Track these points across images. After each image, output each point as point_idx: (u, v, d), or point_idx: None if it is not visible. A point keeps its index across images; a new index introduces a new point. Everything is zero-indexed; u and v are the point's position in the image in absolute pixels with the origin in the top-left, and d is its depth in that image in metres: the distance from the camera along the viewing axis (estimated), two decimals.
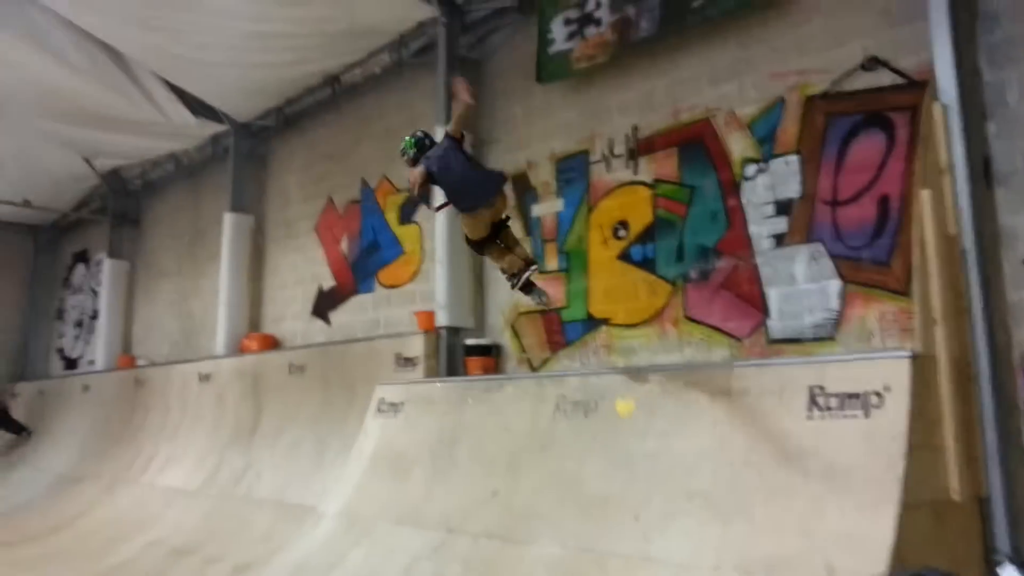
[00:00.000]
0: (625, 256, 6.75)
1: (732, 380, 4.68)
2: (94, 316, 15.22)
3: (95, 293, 15.37)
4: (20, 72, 10.04)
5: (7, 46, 9.50)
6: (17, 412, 15.35)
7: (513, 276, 5.28)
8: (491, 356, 7.51)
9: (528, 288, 5.38)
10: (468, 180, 5.03)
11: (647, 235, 6.60)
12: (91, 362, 14.86)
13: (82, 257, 16.49)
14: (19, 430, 14.51)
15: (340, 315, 9.80)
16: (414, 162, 5.24)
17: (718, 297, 6.02)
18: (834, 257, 5.43)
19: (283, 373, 9.21)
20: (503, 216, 5.23)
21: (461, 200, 5.09)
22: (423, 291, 8.56)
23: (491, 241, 5.22)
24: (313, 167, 10.70)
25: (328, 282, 10.10)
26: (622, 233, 6.81)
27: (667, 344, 6.26)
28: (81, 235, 16.59)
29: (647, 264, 6.55)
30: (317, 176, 10.59)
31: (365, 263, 9.60)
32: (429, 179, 5.08)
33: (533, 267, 5.29)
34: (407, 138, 5.33)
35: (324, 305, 10.10)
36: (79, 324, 16.11)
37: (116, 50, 10.09)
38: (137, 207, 14.70)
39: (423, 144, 5.29)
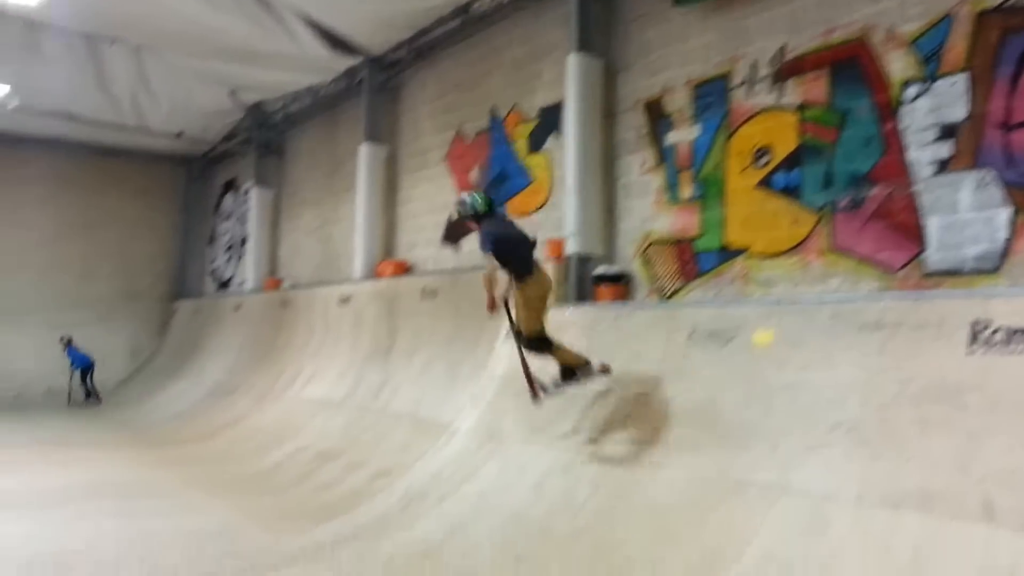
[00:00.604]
0: (766, 184, 6.45)
1: (885, 312, 4.43)
2: (243, 241, 16.24)
3: (243, 220, 16.36)
4: (172, 13, 10.55)
5: None
6: (176, 329, 16.79)
7: (572, 373, 5.62)
8: (621, 285, 7.44)
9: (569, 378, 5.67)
10: (524, 242, 5.54)
11: (791, 162, 6.26)
12: (241, 283, 15.97)
13: (230, 186, 17.53)
14: (92, 395, 15.34)
15: (470, 243, 9.96)
16: (476, 220, 5.61)
17: (869, 227, 5.66)
18: (1006, 184, 4.97)
19: (416, 297, 9.54)
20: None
21: (523, 262, 5.45)
22: (552, 220, 8.54)
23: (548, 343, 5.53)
24: (443, 98, 10.78)
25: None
26: (763, 160, 6.49)
27: (810, 276, 5.99)
28: (229, 166, 17.60)
29: (790, 192, 6.24)
30: (447, 107, 10.67)
31: (494, 193, 9.65)
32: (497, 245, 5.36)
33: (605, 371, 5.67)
34: (476, 195, 5.69)
35: (454, 233, 10.30)
36: (229, 248, 17.25)
37: None
38: (280, 139, 15.36)
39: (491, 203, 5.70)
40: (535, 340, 5.49)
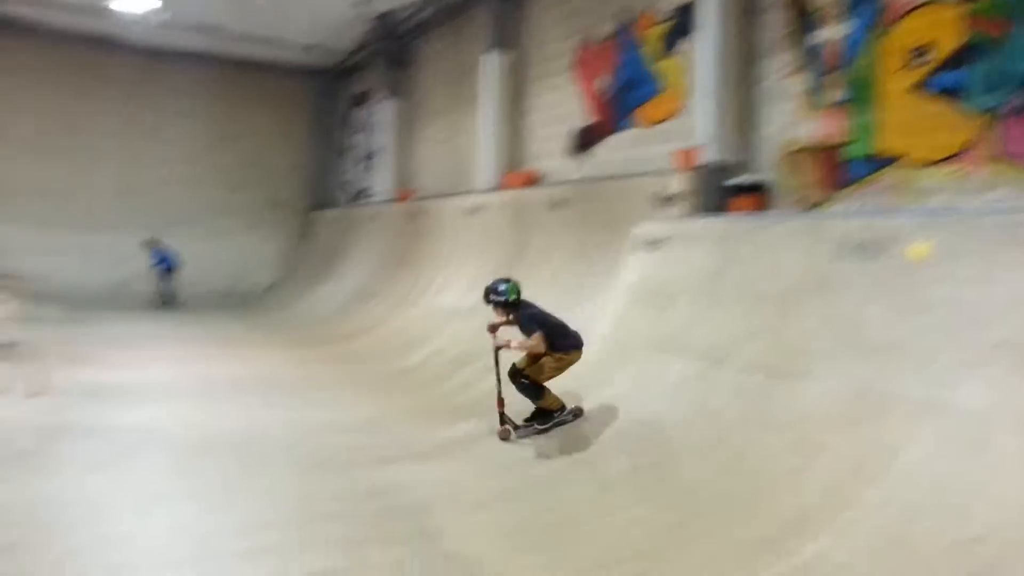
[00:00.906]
0: (924, 85, 5.94)
1: None
2: (372, 155, 16.69)
3: (373, 132, 16.76)
4: None
5: None
6: (317, 238, 17.63)
7: (548, 415, 6.03)
8: (759, 195, 7.17)
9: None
10: (564, 327, 6.03)
11: (954, 61, 5.72)
12: (373, 195, 16.52)
13: (360, 99, 17.92)
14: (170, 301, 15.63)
15: (597, 153, 9.83)
16: (508, 307, 5.98)
17: None
18: None
19: (543, 208, 9.57)
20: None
21: (567, 340, 5.94)
22: (683, 128, 8.26)
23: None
24: (570, 2, 10.44)
25: (585, 120, 10.09)
26: (922, 59, 5.96)
27: (971, 186, 5.55)
28: (358, 79, 17.95)
29: (952, 94, 5.72)
30: (574, 10, 10.35)
31: (622, 100, 9.41)
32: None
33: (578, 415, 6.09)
34: (510, 282, 6.03)
35: (581, 143, 10.16)
36: (361, 160, 17.79)
37: None
38: (407, 49, 15.46)
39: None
40: (535, 386, 5.98)
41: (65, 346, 9.76)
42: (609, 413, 5.88)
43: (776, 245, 5.81)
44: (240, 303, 16.40)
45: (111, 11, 14.46)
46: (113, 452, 5.59)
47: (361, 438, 6.38)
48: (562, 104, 10.53)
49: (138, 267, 16.10)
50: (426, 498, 4.91)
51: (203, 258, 17.02)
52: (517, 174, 11.04)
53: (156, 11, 14.37)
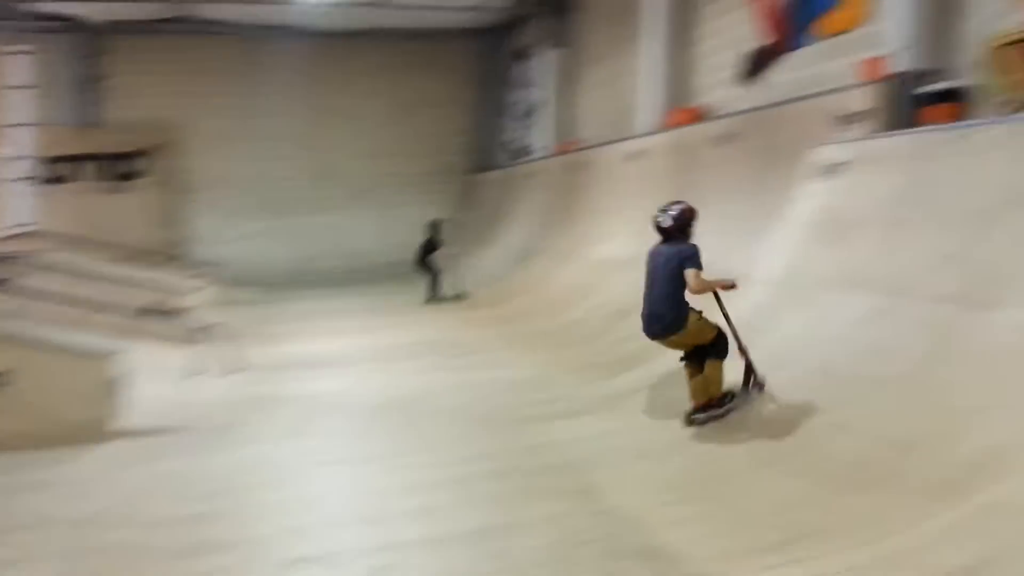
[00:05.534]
0: None
1: None
2: (530, 111, 16.85)
3: (534, 86, 16.90)
4: None
5: None
6: (482, 200, 18.15)
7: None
8: (957, 102, 6.43)
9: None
10: None
11: None
12: (535, 151, 16.71)
13: (522, 53, 18.10)
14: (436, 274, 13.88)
15: (771, 77, 9.27)
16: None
17: None
18: None
19: (711, 144, 9.24)
20: None
21: None
22: (871, 36, 7.55)
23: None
24: None
25: (758, 41, 9.53)
26: None
27: None
28: (519, 33, 18.12)
29: None
30: None
31: (799, 13, 8.78)
32: None
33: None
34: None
35: (756, 66, 9.62)
36: (521, 117, 18.03)
37: None
38: None
39: None
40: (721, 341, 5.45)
41: (258, 325, 10.95)
42: (782, 356, 5.60)
43: (973, 157, 5.20)
44: (412, 270, 17.35)
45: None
46: (300, 420, 6.32)
47: (523, 395, 6.75)
48: (733, 27, 9.97)
49: (322, 246, 17.47)
50: (586, 453, 5.11)
51: (379, 230, 18.16)
52: (682, 110, 10.69)
53: None
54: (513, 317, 10.56)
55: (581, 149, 13.86)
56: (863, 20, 7.80)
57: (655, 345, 5.73)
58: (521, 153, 17.86)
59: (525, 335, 9.30)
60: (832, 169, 6.56)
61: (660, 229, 5.54)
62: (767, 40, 9.34)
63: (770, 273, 6.63)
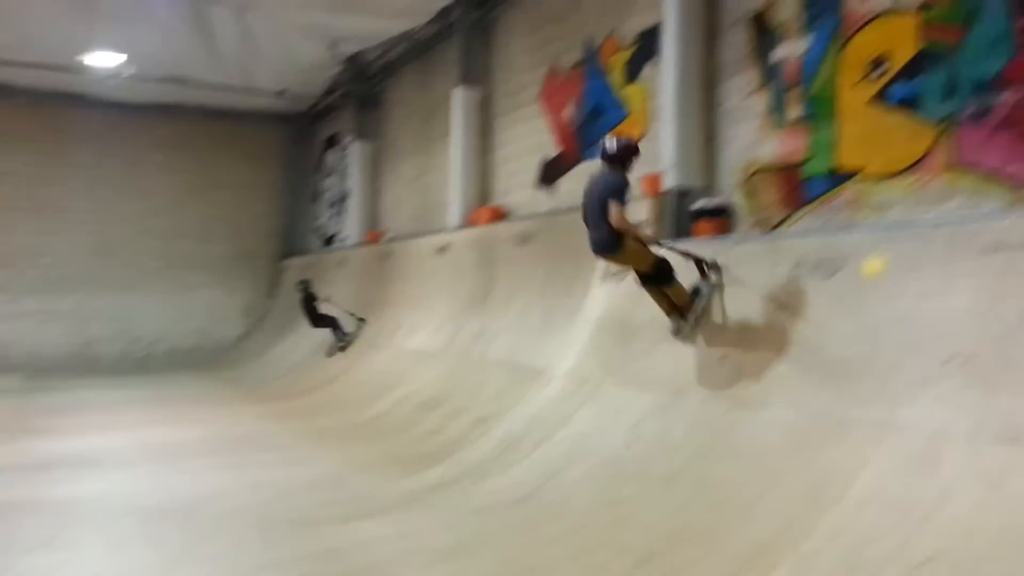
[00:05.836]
0: (881, 97, 6.07)
1: (1009, 232, 4.15)
2: (344, 197, 16.90)
3: (344, 175, 17.00)
4: None
5: None
6: (286, 287, 17.66)
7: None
8: (722, 219, 7.27)
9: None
10: None
11: (910, 71, 5.86)
12: (345, 239, 16.67)
13: (331, 142, 18.22)
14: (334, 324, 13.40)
15: (565, 184, 9.96)
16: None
17: (997, 137, 5.25)
18: None
19: (511, 244, 9.69)
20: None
21: None
22: (647, 154, 8.36)
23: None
24: (537, 32, 10.71)
25: (553, 151, 10.26)
26: (879, 71, 6.11)
27: (928, 196, 5.64)
28: (330, 122, 18.26)
29: (908, 104, 5.85)
30: (541, 41, 10.60)
31: (589, 128, 9.59)
32: None
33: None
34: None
35: (549, 174, 10.32)
36: (333, 204, 18.00)
37: None
38: (377, 90, 15.78)
39: None
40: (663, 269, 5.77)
41: (20, 418, 9.78)
42: (569, 452, 5.87)
43: (737, 268, 5.88)
44: (208, 358, 16.46)
45: (83, 67, 14.81)
46: (59, 529, 5.49)
47: (319, 495, 6.35)
48: (530, 136, 10.72)
49: (103, 328, 16.16)
50: (383, 556, 4.87)
51: (172, 313, 17.18)
52: (486, 209, 11.18)
53: (123, 64, 14.71)
54: (315, 409, 10.21)
55: (392, 240, 14.00)
56: (642, 140, 8.63)
57: (459, 439, 5.86)
58: (332, 240, 17.73)
59: (326, 429, 8.96)
60: (616, 274, 7.10)
61: (605, 154, 5.85)
62: (561, 150, 10.09)
63: (564, 369, 6.97)
